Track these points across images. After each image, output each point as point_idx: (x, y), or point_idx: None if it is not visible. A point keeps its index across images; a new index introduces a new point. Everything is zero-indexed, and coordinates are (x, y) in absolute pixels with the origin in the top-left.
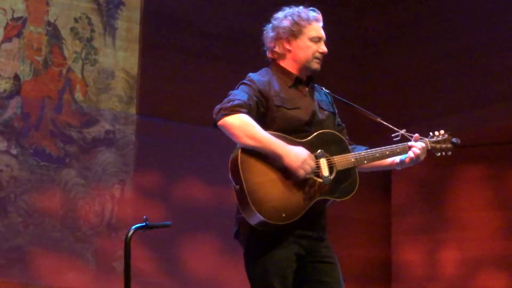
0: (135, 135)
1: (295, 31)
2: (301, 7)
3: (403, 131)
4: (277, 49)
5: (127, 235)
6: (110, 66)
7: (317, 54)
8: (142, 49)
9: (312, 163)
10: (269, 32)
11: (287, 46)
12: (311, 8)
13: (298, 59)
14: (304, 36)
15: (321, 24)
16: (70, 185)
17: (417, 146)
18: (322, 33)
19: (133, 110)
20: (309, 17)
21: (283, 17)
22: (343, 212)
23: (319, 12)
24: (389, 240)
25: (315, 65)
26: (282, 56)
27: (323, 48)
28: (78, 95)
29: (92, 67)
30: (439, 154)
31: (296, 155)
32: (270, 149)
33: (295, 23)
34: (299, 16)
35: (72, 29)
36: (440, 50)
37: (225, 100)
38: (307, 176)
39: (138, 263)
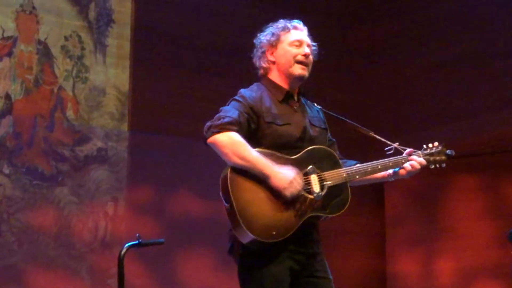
0: (128, 152)
1: (273, 42)
2: (281, 19)
3: (396, 144)
4: (263, 63)
5: (120, 253)
6: (101, 84)
7: (299, 58)
8: (133, 65)
9: (299, 183)
10: (255, 51)
11: (271, 58)
12: (295, 20)
13: (282, 67)
14: (282, 44)
15: (302, 32)
16: (63, 203)
17: (416, 160)
18: (303, 38)
19: (125, 127)
20: (287, 26)
21: (264, 33)
22: (338, 223)
23: (300, 22)
24: (384, 251)
25: (298, 71)
26: (269, 69)
27: (305, 50)
28: (70, 113)
29: (83, 85)
30: (433, 166)
31: (284, 176)
32: (258, 169)
33: (272, 34)
34: (276, 27)
35: (62, 47)
36: (432, 60)
37: (216, 117)
38: (293, 197)
39: (132, 279)
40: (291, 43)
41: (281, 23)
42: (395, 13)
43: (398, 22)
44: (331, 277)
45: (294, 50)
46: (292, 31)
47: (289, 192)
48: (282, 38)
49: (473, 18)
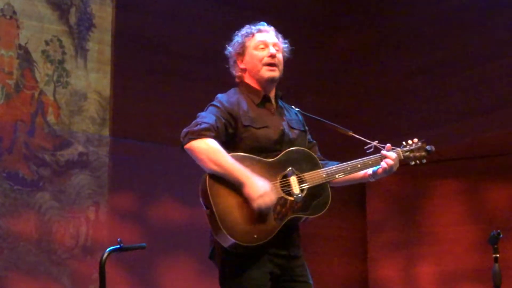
0: (109, 157)
1: (239, 50)
2: (246, 26)
3: (375, 143)
4: (236, 72)
5: (101, 258)
6: (82, 88)
7: (266, 60)
8: (114, 70)
9: (272, 197)
10: (229, 61)
11: (241, 66)
12: (260, 22)
13: (252, 73)
14: (248, 49)
15: (267, 33)
16: (45, 208)
17: (390, 157)
18: (267, 39)
19: (106, 131)
20: (251, 31)
21: (232, 43)
22: (320, 229)
23: (264, 23)
24: (365, 256)
25: (267, 73)
26: (242, 77)
27: (270, 51)
28: (51, 118)
29: (64, 90)
30: (413, 162)
31: (257, 187)
32: (233, 177)
33: (238, 42)
34: (241, 34)
35: (43, 51)
36: (413, 65)
37: (193, 123)
38: (261, 210)
39: (114, 285)
40: (256, 47)
41: (245, 29)
42: (375, 19)
43: (378, 29)
44: (311, 281)
45: (260, 54)
46: (256, 35)
47: (256, 204)
48: (247, 44)
49: (453, 25)
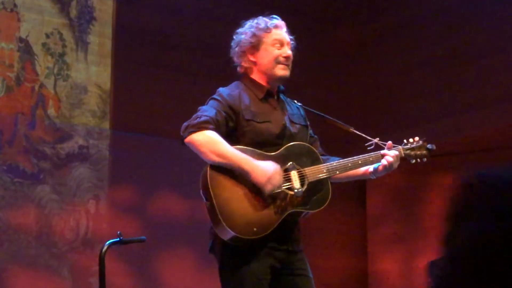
0: (109, 150)
1: (254, 43)
2: (260, 17)
3: (376, 140)
4: (244, 63)
5: (101, 251)
6: (82, 81)
7: (280, 59)
8: (114, 63)
9: (279, 177)
10: (234, 48)
11: (252, 58)
12: (272, 16)
13: (263, 68)
14: (264, 45)
15: (282, 30)
16: (45, 201)
17: (390, 154)
18: (284, 38)
19: (106, 125)
20: (267, 26)
21: (243, 31)
22: (319, 223)
23: (279, 18)
24: (365, 251)
25: (280, 72)
26: (250, 69)
27: (286, 52)
28: (51, 111)
29: (64, 83)
30: (414, 161)
31: (263, 170)
32: (237, 165)
33: (253, 35)
34: (257, 27)
35: (44, 44)
36: (411, 59)
37: (193, 116)
38: (274, 191)
39: (114, 278)
40: (272, 44)
41: (262, 22)
42: (376, 13)
43: (379, 23)
44: (311, 275)
45: (276, 52)
46: (273, 31)
47: (269, 186)
48: (264, 39)
49: (453, 18)
